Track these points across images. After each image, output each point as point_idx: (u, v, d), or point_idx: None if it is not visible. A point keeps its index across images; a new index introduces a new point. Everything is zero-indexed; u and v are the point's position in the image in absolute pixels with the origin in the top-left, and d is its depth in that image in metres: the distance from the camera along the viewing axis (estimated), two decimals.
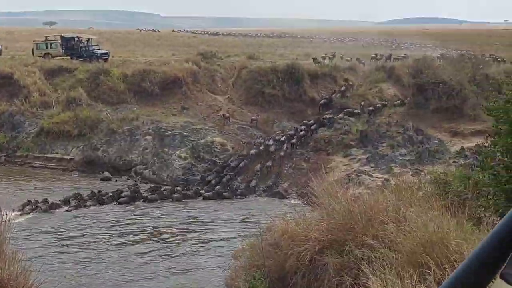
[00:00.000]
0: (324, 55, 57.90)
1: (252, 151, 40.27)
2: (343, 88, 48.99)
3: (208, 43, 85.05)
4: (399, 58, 58.67)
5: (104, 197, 35.15)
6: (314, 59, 54.21)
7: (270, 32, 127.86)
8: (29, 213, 32.63)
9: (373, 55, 59.83)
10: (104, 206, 34.49)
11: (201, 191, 36.95)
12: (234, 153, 41.47)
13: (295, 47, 76.77)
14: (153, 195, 35.88)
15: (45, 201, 33.86)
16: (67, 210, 33.51)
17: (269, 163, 39.07)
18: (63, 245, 28.14)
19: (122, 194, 35.80)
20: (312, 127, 42.81)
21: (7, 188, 37.44)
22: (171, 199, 35.81)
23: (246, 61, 53.05)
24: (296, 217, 14.73)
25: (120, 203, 34.91)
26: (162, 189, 36.99)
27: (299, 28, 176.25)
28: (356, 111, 45.14)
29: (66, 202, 34.27)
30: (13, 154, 43.81)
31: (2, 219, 13.93)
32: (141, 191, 36.56)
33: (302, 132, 42.27)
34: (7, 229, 13.48)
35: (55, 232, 29.90)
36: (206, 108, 46.97)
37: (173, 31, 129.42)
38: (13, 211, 31.51)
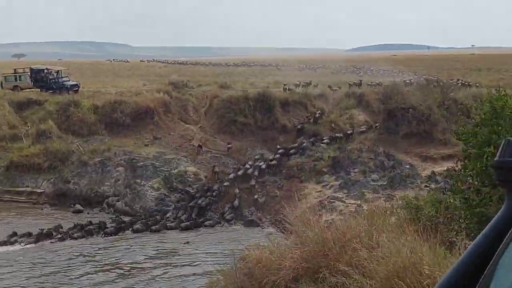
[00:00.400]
0: (297, 83, 58.14)
1: (226, 183, 40.19)
2: (317, 114, 49.22)
3: (179, 72, 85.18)
4: (372, 84, 58.97)
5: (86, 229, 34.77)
6: (284, 86, 54.47)
7: (239, 61, 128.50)
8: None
9: (350, 83, 59.90)
10: (88, 238, 34.09)
11: (174, 222, 36.70)
12: (207, 182, 41.37)
13: (266, 76, 77.19)
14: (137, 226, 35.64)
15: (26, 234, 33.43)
16: (51, 242, 33.10)
17: (236, 191, 39.15)
18: (45, 280, 27.71)
19: (108, 225, 35.56)
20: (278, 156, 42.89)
21: None
22: (150, 231, 35.49)
23: (218, 90, 53.21)
24: (270, 245, 14.66)
25: (106, 234, 34.64)
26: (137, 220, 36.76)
27: (267, 57, 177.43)
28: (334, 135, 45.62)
29: (45, 235, 33.77)
30: None
31: None
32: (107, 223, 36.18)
33: (274, 162, 42.33)
34: None
35: (38, 266, 29.51)
36: (178, 137, 46.92)
37: (140, 61, 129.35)
38: None
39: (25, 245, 32.85)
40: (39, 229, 34.40)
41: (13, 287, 26.30)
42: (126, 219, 37.20)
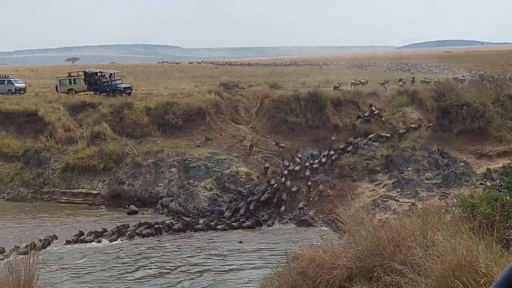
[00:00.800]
0: (355, 81, 57.41)
1: (274, 183, 40.24)
2: (376, 111, 48.86)
3: (230, 73, 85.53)
4: (425, 82, 57.56)
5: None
6: (335, 87, 53.99)
7: (289, 61, 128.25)
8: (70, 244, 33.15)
9: (402, 80, 58.68)
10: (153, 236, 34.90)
11: (227, 222, 36.95)
12: (259, 182, 41.48)
13: (317, 75, 76.86)
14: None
15: (80, 233, 34.32)
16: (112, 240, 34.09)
17: (294, 189, 39.25)
18: (100, 279, 28.27)
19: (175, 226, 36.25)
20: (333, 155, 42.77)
21: (35, 224, 37.72)
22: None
23: (269, 90, 53.25)
24: (324, 244, 14.63)
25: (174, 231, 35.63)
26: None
27: (319, 56, 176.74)
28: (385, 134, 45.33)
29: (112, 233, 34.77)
30: (40, 191, 44.26)
31: (32, 254, 13.99)
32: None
33: (326, 161, 42.25)
34: (36, 265, 13.52)
35: (93, 266, 30.14)
36: (230, 138, 47.14)
37: (189, 62, 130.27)
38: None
39: (96, 242, 33.85)
40: (102, 228, 35.24)
41: (87, 282, 26.88)
42: (187, 219, 37.68)
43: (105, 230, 35.08)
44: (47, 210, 41.29)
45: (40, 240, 32.55)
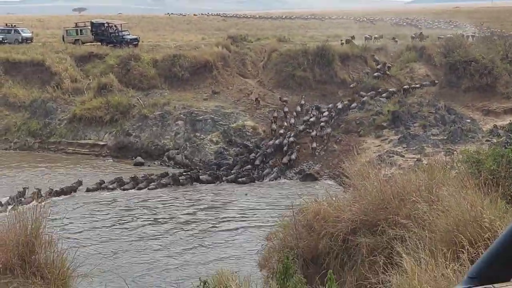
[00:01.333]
0: (368, 36, 56.89)
1: (281, 140, 40.25)
2: (379, 66, 48.74)
3: (238, 26, 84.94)
4: (434, 37, 56.99)
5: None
6: (347, 40, 53.51)
7: (299, 14, 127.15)
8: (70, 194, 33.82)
9: (413, 35, 58.36)
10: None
11: (233, 175, 37.16)
12: (265, 136, 41.52)
13: (325, 29, 76.24)
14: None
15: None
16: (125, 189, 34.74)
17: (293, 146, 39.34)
18: (102, 225, 28.68)
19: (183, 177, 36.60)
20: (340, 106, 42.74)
21: (43, 173, 38.09)
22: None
23: (276, 44, 52.90)
24: (329, 198, 14.74)
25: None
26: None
27: (327, 10, 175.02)
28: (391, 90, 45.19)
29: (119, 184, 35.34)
30: (47, 141, 44.47)
31: (39, 202, 14.15)
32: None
33: (332, 116, 42.19)
34: (43, 213, 13.70)
35: (96, 214, 30.57)
36: (236, 92, 47.00)
37: (194, 15, 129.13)
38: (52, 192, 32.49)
39: (110, 191, 34.60)
40: (115, 179, 35.90)
41: (98, 229, 27.30)
42: (193, 171, 37.95)
43: (120, 180, 35.65)
44: (54, 160, 41.59)
45: (50, 189, 33.06)
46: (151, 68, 48.31)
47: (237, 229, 28.16)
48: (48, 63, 49.31)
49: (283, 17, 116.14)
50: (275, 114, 42.53)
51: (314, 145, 39.23)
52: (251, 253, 22.42)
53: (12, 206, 27.91)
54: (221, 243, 26.33)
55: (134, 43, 54.42)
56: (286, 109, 43.27)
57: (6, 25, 61.52)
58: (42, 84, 48.40)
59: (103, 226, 28.66)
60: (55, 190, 33.31)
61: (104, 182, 35.38)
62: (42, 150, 44.01)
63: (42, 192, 31.51)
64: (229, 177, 36.76)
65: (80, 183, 35.01)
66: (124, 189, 34.77)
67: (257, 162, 38.58)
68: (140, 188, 34.88)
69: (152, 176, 36.27)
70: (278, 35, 59.79)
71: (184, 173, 37.12)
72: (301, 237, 13.90)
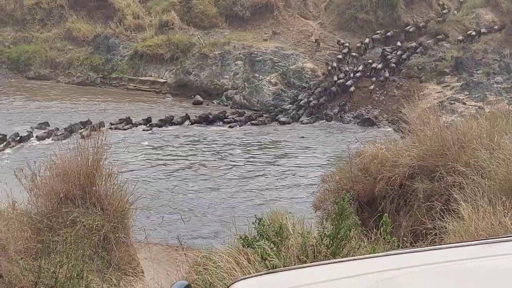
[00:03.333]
0: None
1: (342, 81, 39.90)
2: (445, 11, 47.55)
3: None
4: None
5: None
6: None
7: None
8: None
9: None
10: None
11: (290, 117, 37.25)
12: (324, 79, 41.17)
13: None
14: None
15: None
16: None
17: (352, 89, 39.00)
18: (163, 160, 29.25)
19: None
20: (404, 55, 41.77)
21: (105, 107, 38.88)
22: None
23: None
24: (387, 142, 14.64)
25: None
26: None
27: None
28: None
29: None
30: (108, 76, 45.17)
31: (100, 135, 14.43)
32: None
33: (393, 60, 41.42)
34: (103, 146, 13.97)
35: (156, 148, 31.20)
36: (297, 33, 46.49)
37: None
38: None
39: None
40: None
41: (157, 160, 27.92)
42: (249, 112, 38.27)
43: (188, 117, 36.72)
44: (117, 95, 42.31)
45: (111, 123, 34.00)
46: (213, 6, 48.08)
47: (291, 168, 28.31)
48: None
49: None
50: (334, 66, 41.97)
51: (372, 87, 38.83)
52: (307, 194, 22.55)
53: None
54: (276, 182, 26.55)
55: None
56: (345, 51, 42.69)
57: None
58: (105, 19, 48.85)
59: (166, 162, 29.20)
60: (116, 122, 34.26)
61: (173, 118, 36.22)
62: (103, 85, 44.78)
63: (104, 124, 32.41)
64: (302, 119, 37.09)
65: (149, 119, 35.84)
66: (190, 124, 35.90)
67: (313, 103, 38.47)
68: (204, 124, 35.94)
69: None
70: None
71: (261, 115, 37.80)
72: (357, 180, 13.89)
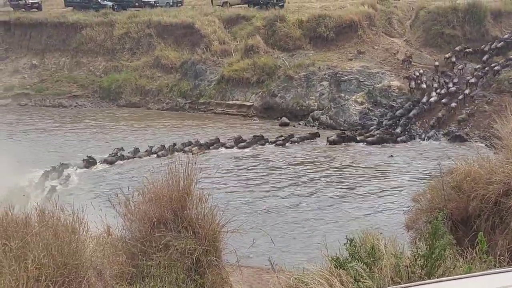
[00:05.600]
0: None
1: (432, 98, 39.17)
2: None
3: None
4: None
5: None
6: None
7: None
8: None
9: None
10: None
11: (379, 136, 36.84)
12: (412, 97, 40.54)
13: None
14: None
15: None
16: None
17: (453, 105, 38.14)
18: (251, 180, 29.49)
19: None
20: (496, 68, 40.65)
21: (195, 130, 39.62)
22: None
23: (425, 1, 51.17)
24: (479, 159, 14.25)
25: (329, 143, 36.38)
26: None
27: None
28: None
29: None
30: (196, 101, 46.06)
31: (190, 160, 14.62)
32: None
33: (482, 75, 40.41)
34: (194, 170, 14.14)
35: (243, 168, 31.57)
36: (382, 51, 46.12)
37: None
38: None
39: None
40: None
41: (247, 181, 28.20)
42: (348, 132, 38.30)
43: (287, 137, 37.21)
44: (205, 120, 43.02)
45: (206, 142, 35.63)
46: (297, 29, 48.39)
47: (383, 188, 27.95)
48: (197, 26, 50.71)
49: None
50: (419, 73, 41.32)
51: (453, 105, 38.09)
52: (398, 214, 22.19)
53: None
54: (366, 202, 26.27)
55: (280, 4, 54.56)
56: (433, 67, 42.03)
57: None
58: (192, 46, 49.96)
59: (252, 182, 29.41)
60: (205, 143, 35.49)
61: (264, 138, 36.92)
62: (192, 110, 45.69)
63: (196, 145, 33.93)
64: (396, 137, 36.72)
65: (239, 138, 36.67)
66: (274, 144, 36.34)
67: (401, 122, 37.99)
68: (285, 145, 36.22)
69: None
70: None
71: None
72: (450, 198, 13.55)
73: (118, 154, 34.15)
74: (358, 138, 36.60)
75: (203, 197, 14.05)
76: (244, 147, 35.59)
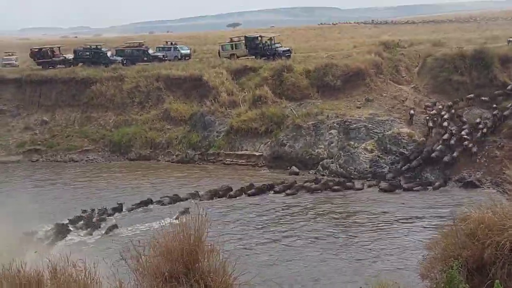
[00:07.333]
0: None
1: (440, 146, 39.07)
2: None
3: (390, 32, 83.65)
4: None
5: None
6: (509, 41, 50.95)
7: (453, 17, 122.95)
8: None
9: None
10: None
11: (389, 184, 36.71)
12: (422, 143, 40.45)
13: (483, 31, 73.22)
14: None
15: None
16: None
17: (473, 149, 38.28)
18: (261, 230, 29.29)
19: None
20: (506, 112, 40.60)
21: (206, 182, 39.55)
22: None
23: (431, 49, 51.60)
24: (493, 206, 14.10)
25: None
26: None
27: (481, 11, 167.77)
28: None
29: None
30: (206, 152, 46.18)
31: (201, 211, 14.54)
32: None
33: (492, 121, 40.37)
34: (205, 222, 14.05)
35: (254, 217, 31.64)
36: (390, 99, 46.31)
37: (345, 23, 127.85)
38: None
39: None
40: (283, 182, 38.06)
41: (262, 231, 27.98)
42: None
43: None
44: (214, 171, 43.01)
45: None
46: (304, 78, 48.78)
47: (396, 237, 27.69)
48: (205, 78, 51.23)
49: (438, 20, 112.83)
50: (430, 124, 41.32)
51: (475, 149, 37.94)
52: (412, 262, 21.93)
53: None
54: (379, 251, 26.00)
55: (287, 54, 55.11)
56: (443, 114, 42.01)
57: (166, 43, 64.49)
58: (201, 98, 50.38)
59: (259, 232, 29.23)
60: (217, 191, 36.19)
61: (274, 186, 37.28)
62: (201, 161, 45.78)
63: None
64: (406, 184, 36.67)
65: (252, 185, 37.33)
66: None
67: (412, 168, 37.90)
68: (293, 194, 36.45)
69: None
70: (432, 40, 58.13)
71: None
72: (464, 246, 13.37)
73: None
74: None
75: (214, 249, 13.93)
76: (253, 195, 36.03)
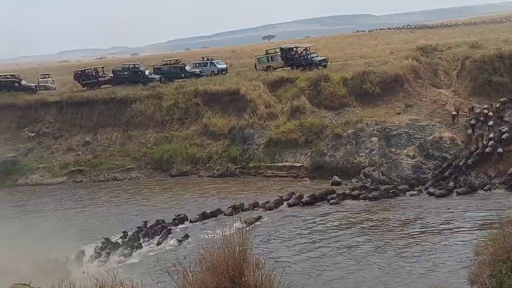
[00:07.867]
0: None
1: (487, 148, 38.38)
2: None
3: (426, 36, 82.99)
4: None
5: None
6: None
7: (488, 19, 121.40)
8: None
9: None
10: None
11: (434, 189, 36.27)
12: (464, 147, 39.85)
13: None
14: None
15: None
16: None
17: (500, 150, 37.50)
18: (305, 243, 29.13)
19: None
20: None
21: (249, 196, 39.61)
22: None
23: (469, 51, 51.00)
24: None
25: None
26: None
27: None
28: None
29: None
30: (246, 166, 46.26)
31: (244, 225, 14.56)
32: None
33: None
34: (249, 236, 14.05)
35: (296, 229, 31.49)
36: (430, 103, 45.83)
37: (380, 29, 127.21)
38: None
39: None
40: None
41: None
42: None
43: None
44: (257, 184, 43.05)
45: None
46: (341, 87, 48.60)
47: (441, 242, 27.31)
48: (243, 91, 51.43)
49: (473, 22, 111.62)
50: (475, 133, 40.63)
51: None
52: (460, 267, 21.62)
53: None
54: (427, 257, 25.66)
55: (323, 64, 55.00)
56: (484, 116, 41.37)
57: (203, 58, 65.03)
58: (239, 111, 50.57)
59: (308, 244, 29.09)
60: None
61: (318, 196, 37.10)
62: (242, 175, 45.86)
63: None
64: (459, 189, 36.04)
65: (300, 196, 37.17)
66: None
67: (456, 175, 37.32)
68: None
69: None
70: (470, 42, 57.45)
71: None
72: None
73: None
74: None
75: (260, 262, 13.91)
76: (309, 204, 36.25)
